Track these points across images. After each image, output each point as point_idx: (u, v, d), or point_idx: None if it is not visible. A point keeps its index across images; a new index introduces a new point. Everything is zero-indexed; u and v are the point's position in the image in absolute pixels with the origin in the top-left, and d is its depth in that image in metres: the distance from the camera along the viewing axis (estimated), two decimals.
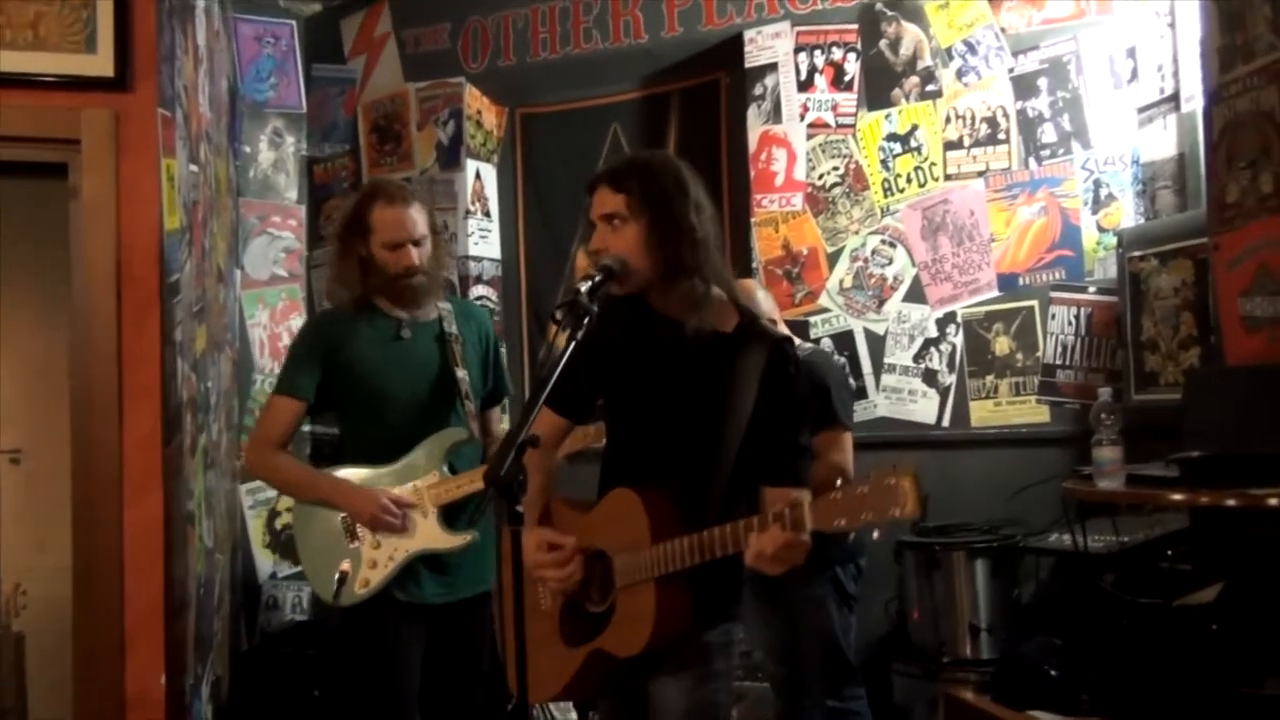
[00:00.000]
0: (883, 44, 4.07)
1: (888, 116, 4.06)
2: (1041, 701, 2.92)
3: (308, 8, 4.77)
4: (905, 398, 4.01)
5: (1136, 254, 3.60)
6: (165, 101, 3.20)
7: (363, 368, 2.77)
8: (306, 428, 3.96)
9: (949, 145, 3.99)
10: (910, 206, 4.03)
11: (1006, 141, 3.93)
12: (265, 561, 4.44)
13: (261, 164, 4.63)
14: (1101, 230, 3.82)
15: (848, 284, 4.08)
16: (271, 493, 4.39)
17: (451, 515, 2.77)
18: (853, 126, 4.09)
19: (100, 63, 3.06)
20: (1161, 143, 3.73)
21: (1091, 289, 3.82)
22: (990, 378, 3.93)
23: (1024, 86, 3.91)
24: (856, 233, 4.08)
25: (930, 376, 3.99)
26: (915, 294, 4.01)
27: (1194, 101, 3.47)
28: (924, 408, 3.99)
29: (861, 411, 3.87)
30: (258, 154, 4.62)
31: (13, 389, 4.73)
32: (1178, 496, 2.55)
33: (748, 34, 4.19)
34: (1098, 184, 3.84)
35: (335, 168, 4.74)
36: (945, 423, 3.97)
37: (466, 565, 2.80)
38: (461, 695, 2.87)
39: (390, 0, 4.72)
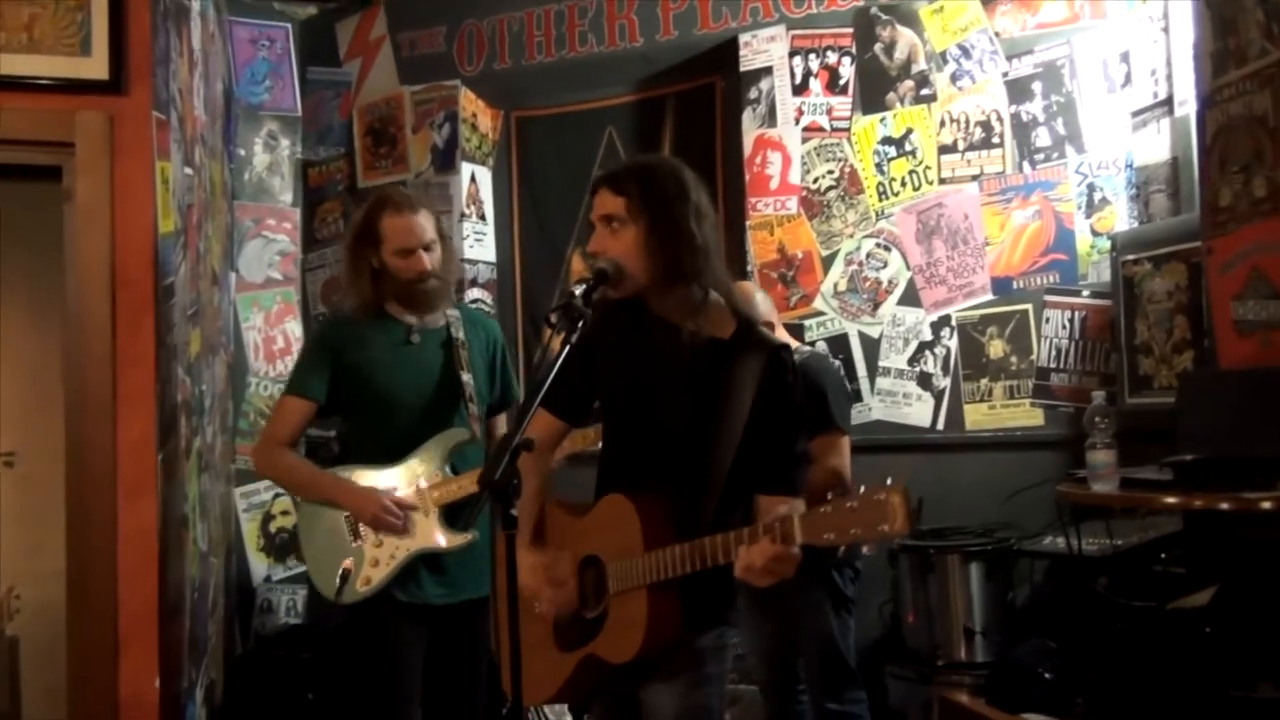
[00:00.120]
0: (877, 48, 4.07)
1: (882, 120, 4.07)
2: (1036, 704, 2.93)
3: (303, 11, 4.76)
4: (900, 401, 4.02)
5: (1130, 258, 3.61)
6: (160, 104, 3.20)
7: (372, 371, 2.82)
8: None
9: (943, 149, 4.00)
10: (905, 210, 4.03)
11: (1001, 145, 3.94)
12: (260, 565, 4.43)
13: (256, 167, 4.63)
14: (1095, 234, 3.83)
15: (842, 287, 4.09)
16: (266, 496, 4.39)
17: (453, 515, 2.80)
18: (847, 130, 4.10)
19: (95, 65, 3.06)
20: (1155, 147, 3.74)
21: (1085, 292, 3.83)
22: (985, 381, 3.93)
23: (1018, 90, 3.92)
24: (851, 236, 4.08)
25: (925, 380, 4.00)
26: (910, 297, 4.02)
27: (1187, 106, 3.48)
28: (918, 411, 4.00)
29: (856, 415, 3.87)
30: (253, 157, 4.62)
31: (7, 392, 4.72)
32: (1171, 500, 2.55)
33: (743, 38, 4.19)
34: (1091, 188, 3.85)
35: (330, 171, 4.74)
36: (940, 426, 3.97)
37: (467, 566, 2.83)
38: (462, 697, 2.89)
39: (386, 3, 4.72)
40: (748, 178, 4.16)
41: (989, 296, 3.93)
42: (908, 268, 4.02)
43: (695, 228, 2.06)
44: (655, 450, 2.10)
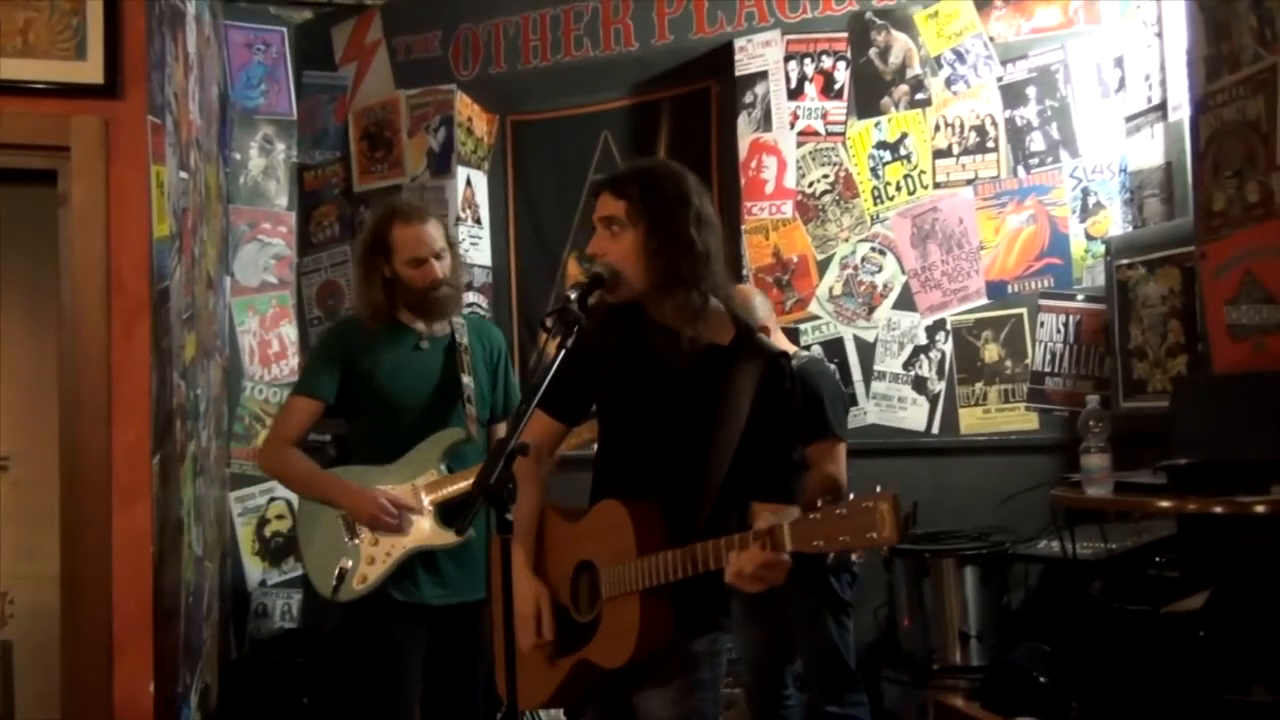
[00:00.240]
0: (872, 52, 4.08)
1: (877, 124, 4.08)
2: (1030, 708, 2.94)
3: (299, 14, 4.76)
4: (895, 405, 4.02)
5: (1124, 262, 3.62)
6: (155, 108, 3.20)
7: (382, 376, 2.86)
8: None
9: (938, 153, 4.01)
10: (900, 214, 4.04)
11: (995, 150, 3.95)
12: (254, 569, 4.43)
13: (252, 171, 4.62)
14: (1089, 238, 3.84)
15: (837, 291, 4.09)
16: (261, 500, 4.39)
17: (449, 514, 2.82)
18: (842, 134, 4.10)
19: (90, 70, 3.06)
20: (1149, 151, 3.75)
21: (1080, 297, 3.84)
22: (979, 385, 3.94)
23: (1012, 95, 3.93)
24: (846, 240, 4.09)
25: (920, 384, 4.00)
26: (905, 301, 4.03)
27: (1181, 111, 3.49)
28: (914, 415, 4.00)
29: (851, 419, 3.86)
30: (248, 161, 4.62)
31: (2, 395, 4.71)
32: (1165, 504, 2.57)
33: (738, 42, 4.20)
34: (1086, 192, 3.86)
35: (326, 174, 4.73)
36: (935, 430, 3.98)
37: (464, 568, 2.85)
38: (461, 699, 2.91)
39: (381, 7, 4.72)
40: (743, 182, 4.16)
41: (984, 301, 3.94)
42: (903, 272, 4.03)
43: (695, 233, 2.05)
44: (652, 456, 2.09)
